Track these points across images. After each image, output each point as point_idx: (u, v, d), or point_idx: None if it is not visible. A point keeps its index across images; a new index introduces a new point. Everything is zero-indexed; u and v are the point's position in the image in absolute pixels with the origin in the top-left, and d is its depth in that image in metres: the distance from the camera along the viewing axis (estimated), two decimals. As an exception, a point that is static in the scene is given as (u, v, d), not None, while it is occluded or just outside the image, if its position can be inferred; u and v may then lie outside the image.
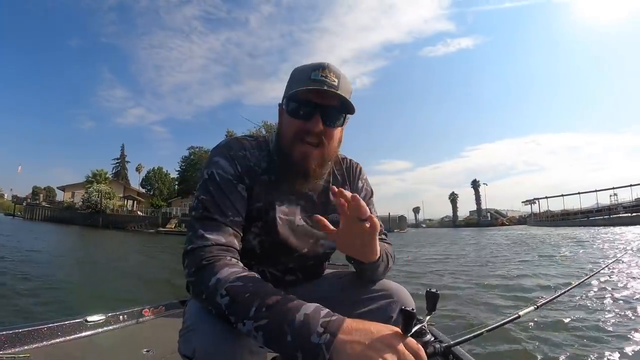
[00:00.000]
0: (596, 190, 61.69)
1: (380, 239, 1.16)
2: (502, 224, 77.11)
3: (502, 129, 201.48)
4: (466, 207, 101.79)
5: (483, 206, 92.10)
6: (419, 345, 0.71)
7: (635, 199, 53.70)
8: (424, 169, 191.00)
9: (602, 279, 6.27)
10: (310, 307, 0.75)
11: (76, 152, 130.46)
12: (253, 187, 1.10)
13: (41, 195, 69.03)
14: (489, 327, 0.92)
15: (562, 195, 67.21)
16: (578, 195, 63.65)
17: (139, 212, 53.55)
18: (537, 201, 74.64)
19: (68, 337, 1.93)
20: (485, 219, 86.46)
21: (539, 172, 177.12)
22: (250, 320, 0.76)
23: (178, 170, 56.94)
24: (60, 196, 62.74)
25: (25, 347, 1.75)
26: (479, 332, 0.90)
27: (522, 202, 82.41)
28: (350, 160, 1.35)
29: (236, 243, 0.99)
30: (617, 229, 29.80)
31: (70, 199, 56.73)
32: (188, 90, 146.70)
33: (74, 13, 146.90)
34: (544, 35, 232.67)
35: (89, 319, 2.09)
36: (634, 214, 42.04)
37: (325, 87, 1.03)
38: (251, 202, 1.09)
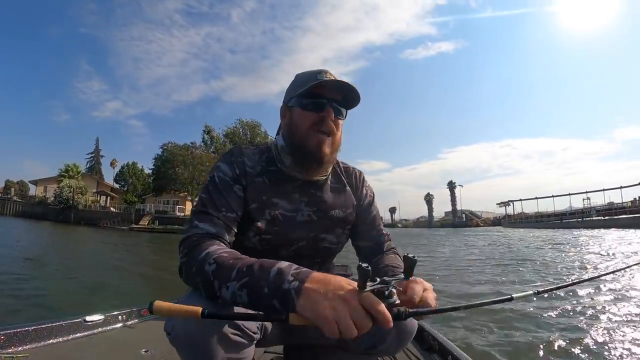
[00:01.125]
0: (570, 194, 63.06)
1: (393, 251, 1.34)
2: (477, 225, 78.42)
3: (479, 133, 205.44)
4: (442, 208, 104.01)
5: (458, 207, 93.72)
6: (376, 303, 0.74)
7: (608, 203, 55.26)
8: (401, 169, 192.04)
9: (610, 279, 5.78)
10: (284, 263, 0.85)
11: (51, 145, 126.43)
12: (247, 189, 1.18)
13: (13, 189, 67.07)
14: (470, 304, 0.87)
15: (537, 198, 68.36)
16: (552, 198, 65.04)
17: (112, 208, 52.66)
18: (511, 203, 75.72)
19: (67, 337, 1.95)
20: (460, 220, 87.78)
21: (513, 175, 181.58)
22: (233, 282, 0.84)
23: (152, 168, 55.51)
24: (33, 190, 60.95)
25: (24, 347, 1.76)
26: (455, 306, 0.84)
27: (497, 204, 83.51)
28: (352, 167, 1.45)
29: (226, 235, 1.08)
30: (594, 231, 30.46)
31: (43, 194, 55.45)
32: (166, 84, 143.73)
33: (54, 1, 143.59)
34: (522, 43, 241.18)
35: (88, 318, 2.11)
36: (607, 218, 43.01)
37: (337, 80, 1.16)
38: (248, 202, 1.17)
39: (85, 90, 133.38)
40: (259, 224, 1.17)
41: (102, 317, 2.17)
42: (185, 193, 51.80)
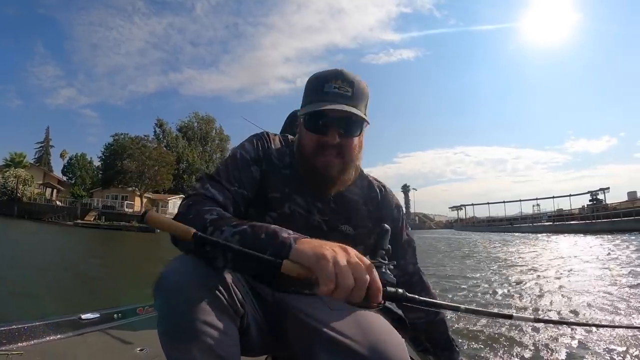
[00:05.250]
0: (520, 200, 65.62)
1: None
2: (430, 228, 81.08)
3: (434, 139, 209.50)
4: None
5: (412, 210, 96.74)
6: (375, 268, 0.75)
7: (557, 210, 57.05)
8: None
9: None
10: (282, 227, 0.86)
11: (0, 131, 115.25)
12: (270, 176, 1.16)
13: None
14: (470, 308, 0.86)
15: (488, 203, 71.02)
16: (503, 203, 67.40)
17: (57, 202, 50.29)
18: (463, 207, 78.14)
19: (62, 335, 1.92)
20: (413, 222, 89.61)
21: (466, 181, 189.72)
22: (230, 227, 0.86)
23: (100, 157, 52.26)
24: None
25: (19, 345, 1.75)
26: (456, 305, 0.84)
27: (450, 207, 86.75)
28: (380, 182, 1.36)
29: (231, 209, 1.04)
30: (546, 236, 31.09)
31: (-17, 184, 52.16)
32: (123, 74, 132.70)
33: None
34: (481, 55, 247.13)
35: (83, 317, 2.08)
36: (558, 223, 44.44)
37: (334, 104, 1.07)
38: (268, 190, 1.15)
39: (39, 75, 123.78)
40: (275, 214, 1.13)
41: (97, 315, 2.15)
42: (134, 188, 50.14)
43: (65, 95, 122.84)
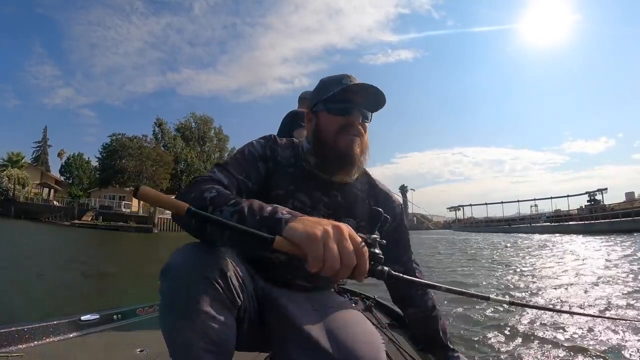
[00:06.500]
0: (518, 201, 64.83)
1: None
2: (428, 228, 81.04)
3: (432, 140, 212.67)
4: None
5: (410, 210, 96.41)
6: (364, 245, 0.77)
7: (555, 211, 56.47)
8: None
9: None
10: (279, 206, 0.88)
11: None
12: (275, 175, 1.21)
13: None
14: (458, 290, 0.89)
15: (486, 204, 70.72)
16: (501, 204, 67.08)
17: (55, 202, 50.01)
18: (461, 208, 78.02)
19: (62, 337, 1.93)
20: (411, 223, 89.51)
21: (464, 181, 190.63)
22: (228, 207, 0.87)
23: (98, 157, 51.86)
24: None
25: (19, 347, 1.75)
26: (444, 286, 0.87)
27: (448, 208, 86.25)
28: (382, 184, 1.40)
29: (234, 192, 1.07)
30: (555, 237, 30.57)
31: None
32: (121, 74, 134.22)
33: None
34: (479, 56, 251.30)
35: (83, 318, 2.08)
36: (556, 224, 44.38)
37: (363, 83, 1.17)
38: (272, 188, 1.19)
39: (37, 74, 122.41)
40: None
41: (97, 316, 2.15)
42: (132, 188, 48.30)
43: (63, 94, 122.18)
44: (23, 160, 55.76)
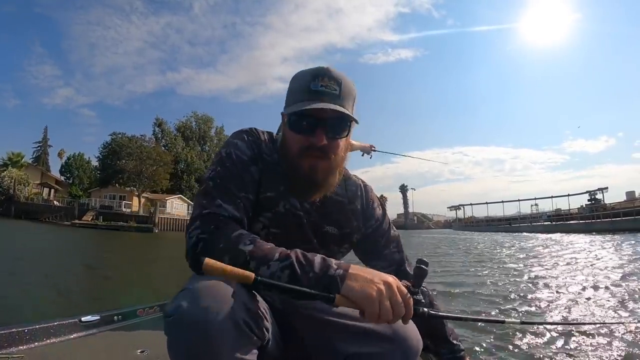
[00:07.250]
0: (519, 200, 65.63)
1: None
2: (428, 227, 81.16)
3: (432, 139, 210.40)
4: (394, 210, 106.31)
5: (410, 210, 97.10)
6: (408, 294, 0.86)
7: (555, 210, 57.00)
8: (355, 172, 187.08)
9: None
10: (320, 255, 0.88)
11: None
12: (265, 175, 1.11)
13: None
14: (474, 318, 1.06)
15: (487, 203, 71.14)
16: (502, 203, 67.44)
17: (55, 202, 50.13)
18: (462, 207, 78.11)
19: (62, 338, 1.93)
20: (412, 222, 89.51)
21: (464, 181, 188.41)
22: (276, 262, 0.85)
23: (98, 157, 51.85)
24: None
25: (19, 348, 1.75)
26: (464, 316, 1.00)
27: (448, 207, 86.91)
28: (358, 178, 1.34)
29: (246, 220, 1.02)
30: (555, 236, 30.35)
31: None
32: (121, 73, 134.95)
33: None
34: (479, 55, 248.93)
35: (83, 319, 2.08)
36: (556, 223, 44.43)
37: (323, 103, 1.00)
38: (262, 190, 1.10)
39: (37, 74, 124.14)
40: (270, 214, 1.11)
41: (98, 317, 2.14)
42: (132, 188, 49.83)
43: (62, 94, 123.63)
44: (23, 160, 55.80)
